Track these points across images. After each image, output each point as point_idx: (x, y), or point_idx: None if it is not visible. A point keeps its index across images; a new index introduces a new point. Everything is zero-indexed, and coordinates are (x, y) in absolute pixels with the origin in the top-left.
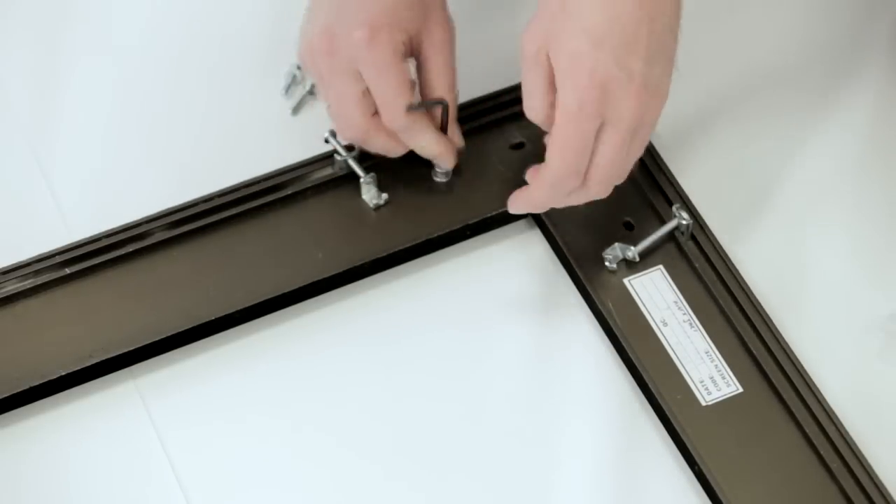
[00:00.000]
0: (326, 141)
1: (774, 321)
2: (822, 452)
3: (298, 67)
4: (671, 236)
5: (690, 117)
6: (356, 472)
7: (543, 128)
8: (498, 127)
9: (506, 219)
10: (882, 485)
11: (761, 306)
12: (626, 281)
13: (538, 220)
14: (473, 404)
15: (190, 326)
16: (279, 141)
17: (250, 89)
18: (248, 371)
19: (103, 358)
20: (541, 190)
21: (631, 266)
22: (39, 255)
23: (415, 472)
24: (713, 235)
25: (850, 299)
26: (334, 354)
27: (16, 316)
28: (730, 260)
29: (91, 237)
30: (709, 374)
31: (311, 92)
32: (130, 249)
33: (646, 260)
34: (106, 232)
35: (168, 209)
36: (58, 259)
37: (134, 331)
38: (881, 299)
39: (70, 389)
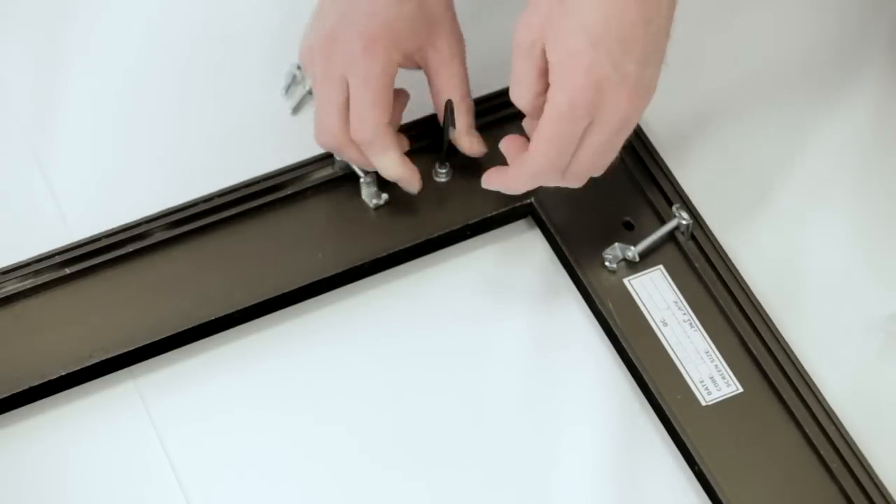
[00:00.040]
0: None
1: (774, 321)
2: (822, 452)
3: (298, 67)
4: (671, 236)
5: (690, 117)
6: (356, 472)
7: (527, 114)
8: (498, 127)
9: (506, 219)
10: (882, 485)
11: (761, 306)
12: (626, 281)
13: (538, 220)
14: (473, 405)
15: (190, 326)
16: (279, 141)
17: (250, 89)
18: (247, 371)
19: (103, 358)
20: (520, 178)
21: (631, 266)
22: (39, 255)
23: (415, 472)
24: (713, 235)
25: (850, 299)
26: (334, 354)
27: (16, 316)
28: (730, 260)
29: (91, 237)
30: (709, 374)
31: (311, 92)
32: (130, 249)
33: (646, 260)
34: (106, 232)
35: (168, 209)
36: (58, 259)
37: (134, 331)
38: (881, 299)
39: (70, 389)
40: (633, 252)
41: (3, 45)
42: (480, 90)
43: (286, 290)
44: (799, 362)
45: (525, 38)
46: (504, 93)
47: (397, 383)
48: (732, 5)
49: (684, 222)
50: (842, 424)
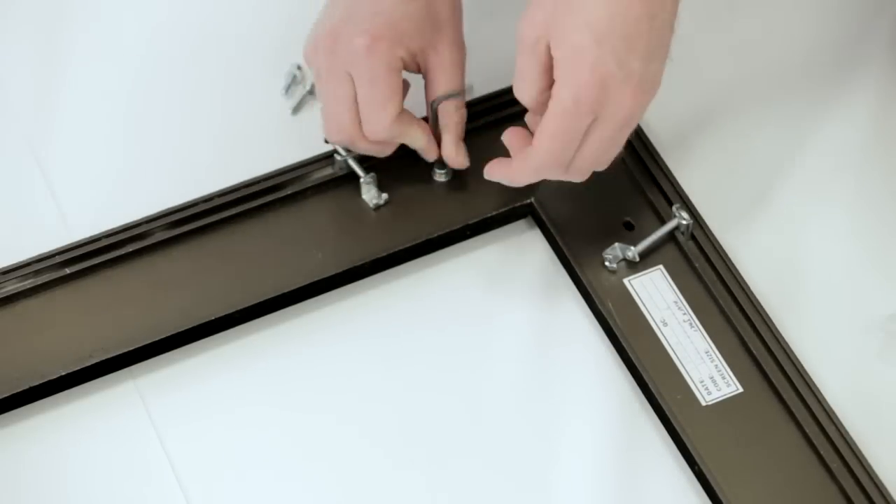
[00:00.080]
0: (326, 141)
1: (774, 321)
2: (822, 452)
3: (299, 67)
4: (671, 236)
5: (690, 117)
6: (356, 471)
7: (530, 110)
8: (498, 127)
9: (506, 219)
10: (882, 485)
11: (761, 306)
12: (626, 281)
13: (538, 219)
14: (473, 405)
15: (190, 326)
16: (279, 141)
17: (251, 89)
18: (247, 371)
19: (103, 358)
20: (523, 172)
21: (631, 266)
22: (39, 255)
23: (415, 472)
24: (713, 235)
25: (850, 299)
26: (334, 354)
27: (16, 316)
28: (730, 260)
29: (91, 237)
30: (709, 374)
31: (311, 92)
32: (130, 249)
33: (646, 260)
34: (106, 232)
35: (168, 209)
36: (58, 259)
37: (134, 331)
38: (881, 299)
39: (70, 389)
40: (633, 252)
41: (3, 45)
42: (482, 89)
43: (286, 290)
44: (799, 362)
45: (529, 34)
46: (503, 93)
47: (397, 383)
48: (732, 5)
49: (684, 222)
50: (842, 424)
